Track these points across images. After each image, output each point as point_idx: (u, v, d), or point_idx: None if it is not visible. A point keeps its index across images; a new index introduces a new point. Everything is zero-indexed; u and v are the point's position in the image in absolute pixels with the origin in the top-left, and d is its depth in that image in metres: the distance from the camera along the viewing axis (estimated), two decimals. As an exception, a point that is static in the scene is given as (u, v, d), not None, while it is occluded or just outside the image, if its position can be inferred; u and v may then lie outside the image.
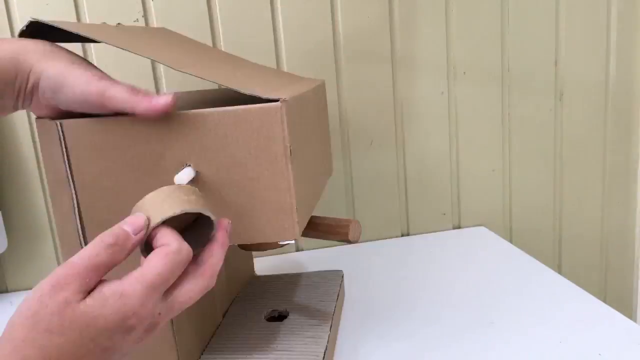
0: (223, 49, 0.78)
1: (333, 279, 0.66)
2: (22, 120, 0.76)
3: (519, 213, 0.92)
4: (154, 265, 0.35)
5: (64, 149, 0.44)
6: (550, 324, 0.59)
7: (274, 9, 0.79)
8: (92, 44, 0.75)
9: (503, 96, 0.87)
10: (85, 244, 0.41)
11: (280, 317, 0.60)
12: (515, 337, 0.57)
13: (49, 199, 0.78)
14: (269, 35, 0.79)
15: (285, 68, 0.80)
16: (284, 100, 0.42)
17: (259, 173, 0.43)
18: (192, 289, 0.36)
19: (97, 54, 0.75)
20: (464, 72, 0.85)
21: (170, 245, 0.35)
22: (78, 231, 0.45)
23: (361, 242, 0.86)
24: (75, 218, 0.45)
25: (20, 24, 0.73)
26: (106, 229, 0.36)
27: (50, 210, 0.79)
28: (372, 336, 0.60)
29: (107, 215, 0.44)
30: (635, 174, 0.94)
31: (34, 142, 0.77)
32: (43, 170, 0.78)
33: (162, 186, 0.39)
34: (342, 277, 0.67)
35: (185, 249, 0.36)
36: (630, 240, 0.97)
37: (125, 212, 0.38)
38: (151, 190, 0.38)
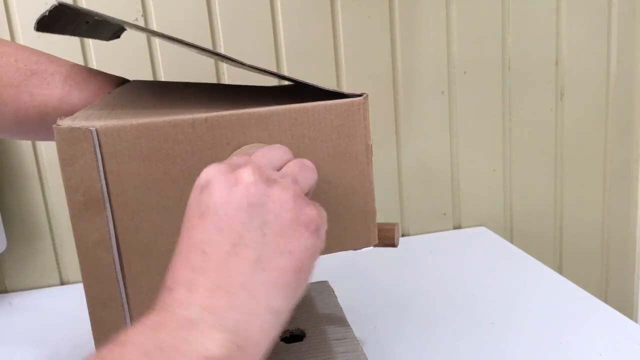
0: (223, 49, 0.78)
1: (324, 290, 0.62)
2: (21, 120, 0.76)
3: (519, 213, 0.92)
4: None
5: (101, 162, 0.36)
6: (551, 324, 0.59)
7: (274, 9, 0.78)
8: (91, 43, 0.75)
9: (504, 96, 0.87)
10: (123, 277, 0.36)
11: (295, 337, 0.53)
12: (516, 337, 0.57)
13: (48, 199, 0.78)
14: (269, 35, 0.79)
15: (285, 68, 0.80)
16: (366, 96, 0.39)
17: (338, 176, 0.39)
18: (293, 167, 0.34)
19: (95, 55, 0.75)
20: (465, 72, 0.85)
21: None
22: (114, 262, 0.38)
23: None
24: (112, 247, 0.38)
25: (19, 24, 0.73)
26: (149, 257, 0.31)
27: (50, 210, 0.79)
28: (372, 337, 0.60)
29: (152, 239, 0.37)
30: (636, 174, 0.94)
31: (33, 145, 0.76)
32: (42, 170, 0.77)
33: None
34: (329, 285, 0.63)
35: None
36: (631, 240, 0.97)
37: (176, 235, 0.31)
38: None
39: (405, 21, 0.82)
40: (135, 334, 0.26)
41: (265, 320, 0.28)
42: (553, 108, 0.89)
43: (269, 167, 0.32)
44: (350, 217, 0.40)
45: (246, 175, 0.30)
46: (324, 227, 0.32)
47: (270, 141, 0.37)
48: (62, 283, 0.81)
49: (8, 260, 0.79)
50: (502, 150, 0.89)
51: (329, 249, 0.37)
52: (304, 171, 0.33)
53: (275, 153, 0.34)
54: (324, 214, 0.32)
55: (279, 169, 0.33)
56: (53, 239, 0.80)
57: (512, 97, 0.87)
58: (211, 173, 0.30)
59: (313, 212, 0.31)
